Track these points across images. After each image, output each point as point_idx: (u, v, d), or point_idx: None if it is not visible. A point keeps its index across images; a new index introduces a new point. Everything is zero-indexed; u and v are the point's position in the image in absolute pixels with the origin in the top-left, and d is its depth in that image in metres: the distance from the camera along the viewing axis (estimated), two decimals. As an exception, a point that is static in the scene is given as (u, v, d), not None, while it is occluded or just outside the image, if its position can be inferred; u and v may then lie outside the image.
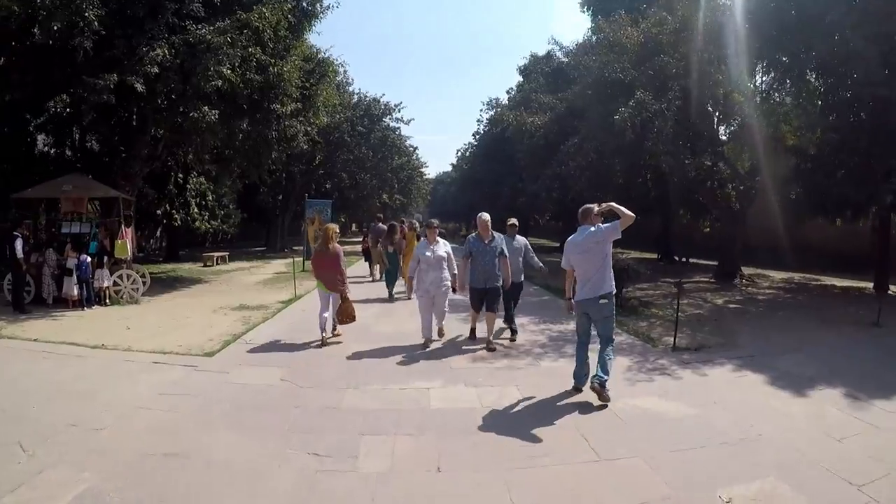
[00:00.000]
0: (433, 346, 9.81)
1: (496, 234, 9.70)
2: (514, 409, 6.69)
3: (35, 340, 9.96)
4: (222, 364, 8.47)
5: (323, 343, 9.83)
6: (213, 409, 6.55)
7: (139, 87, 13.63)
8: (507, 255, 9.66)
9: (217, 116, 15.23)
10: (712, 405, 6.71)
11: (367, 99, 38.86)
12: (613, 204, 7.00)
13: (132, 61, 13.82)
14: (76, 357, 8.90)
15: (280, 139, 18.73)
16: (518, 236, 10.69)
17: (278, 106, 17.18)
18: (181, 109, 15.28)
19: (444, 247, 9.98)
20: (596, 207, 7.11)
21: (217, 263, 26.49)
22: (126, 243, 14.82)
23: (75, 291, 13.60)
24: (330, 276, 9.96)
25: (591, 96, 19.26)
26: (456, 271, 9.92)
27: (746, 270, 20.64)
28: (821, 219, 19.31)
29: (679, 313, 10.74)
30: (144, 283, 15.88)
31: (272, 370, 8.12)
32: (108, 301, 14.29)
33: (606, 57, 18.80)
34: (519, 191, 36.43)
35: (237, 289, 17.74)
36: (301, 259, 23.26)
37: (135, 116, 18.29)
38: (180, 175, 28.50)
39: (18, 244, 13.01)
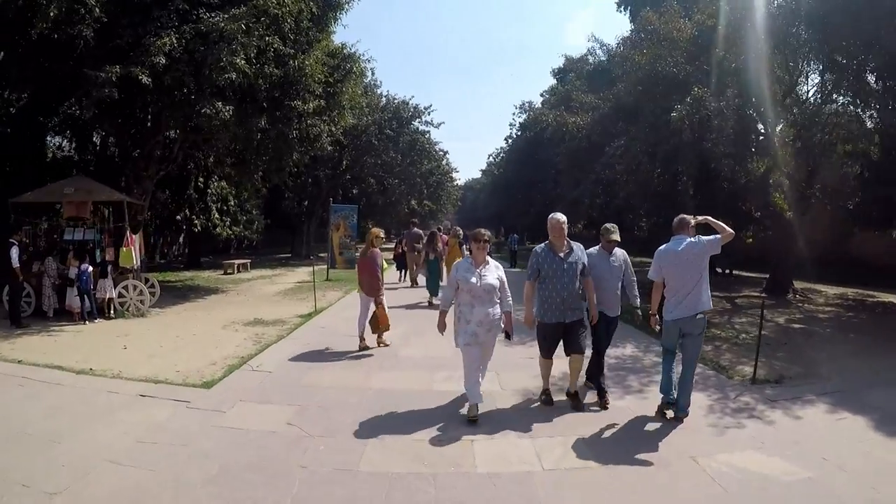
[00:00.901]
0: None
1: (574, 245, 6.83)
2: (585, 474, 5.21)
3: (18, 363, 8.72)
4: (220, 399, 7.05)
5: (361, 348, 9.76)
6: (197, 470, 5.09)
7: (145, 79, 12.41)
8: (594, 274, 7.01)
9: (231, 113, 13.99)
10: (822, 462, 5.45)
11: (396, 101, 37.53)
12: (710, 218, 6.63)
13: (138, 52, 12.61)
14: (55, 385, 7.59)
15: (302, 139, 17.38)
16: (618, 250, 7.38)
17: (300, 103, 15.87)
18: (192, 105, 14.03)
19: (495, 270, 6.66)
20: (692, 220, 6.66)
21: (238, 271, 25.40)
22: (131, 251, 13.54)
23: (77, 303, 12.42)
24: (366, 280, 9.82)
25: (641, 93, 17.69)
26: (511, 302, 6.78)
27: (796, 284, 19.13)
28: (875, 231, 17.82)
29: (743, 334, 10.48)
30: (153, 293, 14.70)
31: (278, 409, 6.70)
32: (112, 314, 13.09)
33: (657, 50, 17.26)
34: (556, 197, 34.85)
35: (254, 300, 16.48)
36: (325, 267, 22.04)
37: (149, 116, 17.24)
38: (201, 179, 27.40)
39: (14, 252, 11.87)
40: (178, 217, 26.91)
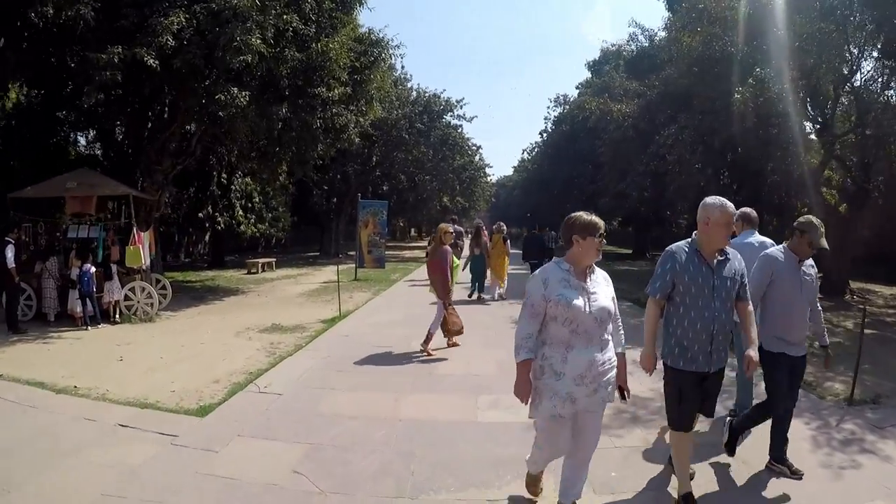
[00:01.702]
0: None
1: (730, 250, 4.25)
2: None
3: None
4: (215, 432, 5.71)
5: (423, 351, 9.00)
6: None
7: (151, 61, 11.33)
8: (782, 293, 4.85)
9: (248, 100, 12.79)
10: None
11: (427, 95, 36.14)
12: None
13: (144, 33, 11.50)
14: (27, 409, 6.37)
15: (327, 130, 16.07)
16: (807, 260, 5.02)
17: (324, 90, 14.60)
18: (207, 91, 12.87)
19: (606, 285, 3.98)
20: None
21: (262, 270, 24.31)
22: (139, 250, 12.38)
23: (79, 307, 11.32)
24: (437, 281, 9.14)
25: (696, 76, 16.16)
26: (623, 337, 4.10)
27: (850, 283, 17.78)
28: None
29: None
30: (164, 295, 13.59)
31: (284, 448, 5.32)
32: (118, 318, 11.96)
33: (710, 30, 15.75)
34: (595, 191, 33.23)
35: (276, 302, 15.26)
36: (354, 266, 20.83)
37: (165, 106, 16.15)
38: (224, 175, 26.37)
39: (10, 252, 10.89)
40: (201, 214, 25.88)
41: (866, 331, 11.68)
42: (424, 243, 32.54)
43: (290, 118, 14.51)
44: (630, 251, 40.00)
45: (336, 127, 16.20)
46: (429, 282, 9.71)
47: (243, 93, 12.67)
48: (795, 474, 4.68)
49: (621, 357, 4.00)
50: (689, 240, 4.25)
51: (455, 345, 9.52)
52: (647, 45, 34.16)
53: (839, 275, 17.19)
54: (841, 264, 17.27)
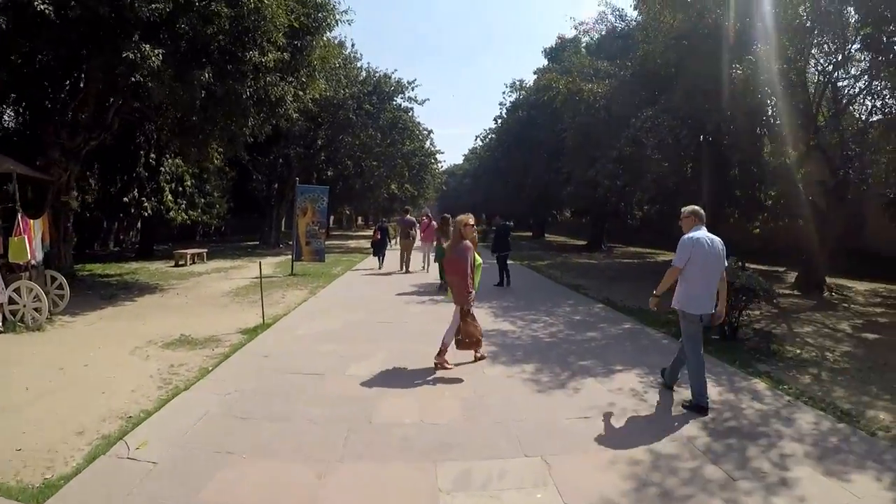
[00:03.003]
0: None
1: None
2: None
3: None
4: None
5: (438, 366, 7.65)
6: None
7: (43, 6, 9.08)
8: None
9: (162, 59, 10.59)
10: None
11: (377, 75, 33.78)
12: None
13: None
14: None
15: (259, 101, 13.86)
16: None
17: (256, 54, 12.43)
18: (115, 49, 10.64)
19: None
20: None
21: (193, 262, 21.90)
22: (23, 242, 10.04)
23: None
24: (455, 283, 7.68)
25: (685, 50, 14.41)
26: None
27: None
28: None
29: (827, 352, 8.99)
30: (61, 296, 11.27)
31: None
32: (1, 326, 9.64)
33: (702, 2, 14.07)
34: (554, 180, 31.49)
35: (195, 303, 13.01)
36: (290, 259, 18.69)
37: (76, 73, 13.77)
38: (152, 155, 23.82)
39: None
40: (126, 199, 23.27)
41: (867, 335, 10.42)
42: (370, 232, 31.02)
43: (215, 86, 12.26)
44: (585, 242, 38.67)
45: (270, 99, 14.02)
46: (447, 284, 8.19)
47: (156, 51, 10.49)
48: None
49: None
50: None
51: (482, 358, 8.09)
52: (619, 25, 32.45)
53: (817, 272, 16.08)
54: (819, 260, 16.15)
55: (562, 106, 25.32)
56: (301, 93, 15.66)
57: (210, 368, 7.49)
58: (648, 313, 11.18)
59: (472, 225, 7.81)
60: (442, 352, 7.68)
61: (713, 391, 6.70)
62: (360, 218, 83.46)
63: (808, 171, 16.15)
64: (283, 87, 14.21)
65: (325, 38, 16.50)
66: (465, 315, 7.61)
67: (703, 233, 6.33)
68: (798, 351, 9.15)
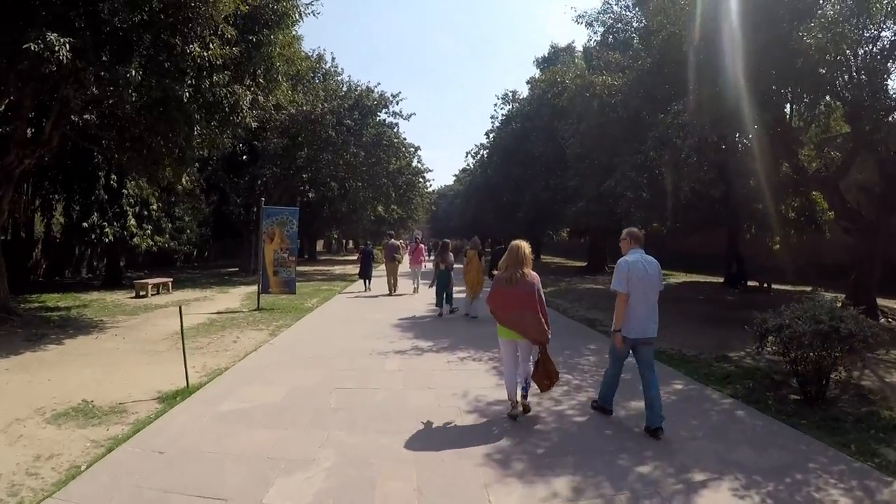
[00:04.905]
0: None
1: None
2: None
3: None
4: None
5: (512, 416, 6.55)
6: None
7: None
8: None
9: (70, 49, 8.53)
10: None
11: (359, 89, 31.65)
12: None
13: None
14: None
15: (208, 106, 11.73)
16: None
17: (196, 47, 10.35)
18: (10, 38, 8.60)
19: None
20: None
21: (157, 292, 19.73)
22: None
23: None
24: (528, 319, 6.47)
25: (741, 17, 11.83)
26: None
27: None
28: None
29: None
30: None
31: None
32: None
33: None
34: (559, 197, 29.31)
35: (129, 349, 10.68)
36: (256, 290, 16.51)
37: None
38: (113, 177, 21.77)
39: None
40: (85, 224, 21.13)
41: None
42: (354, 257, 29.61)
43: (149, 85, 10.12)
44: (584, 264, 36.62)
45: (222, 104, 11.88)
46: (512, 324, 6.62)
47: (62, 41, 8.44)
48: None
49: None
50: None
51: (527, 411, 6.80)
52: (627, 14, 29.89)
53: (867, 293, 13.97)
54: (870, 281, 14.10)
55: (569, 104, 22.67)
56: (261, 98, 13.54)
57: (81, 468, 5.16)
58: (692, 360, 9.35)
59: (529, 254, 6.81)
60: (512, 400, 6.70)
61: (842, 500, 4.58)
62: (350, 242, 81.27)
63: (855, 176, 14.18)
64: (238, 90, 12.09)
65: (289, 35, 14.35)
66: (544, 352, 6.66)
67: (639, 255, 6.32)
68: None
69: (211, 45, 10.55)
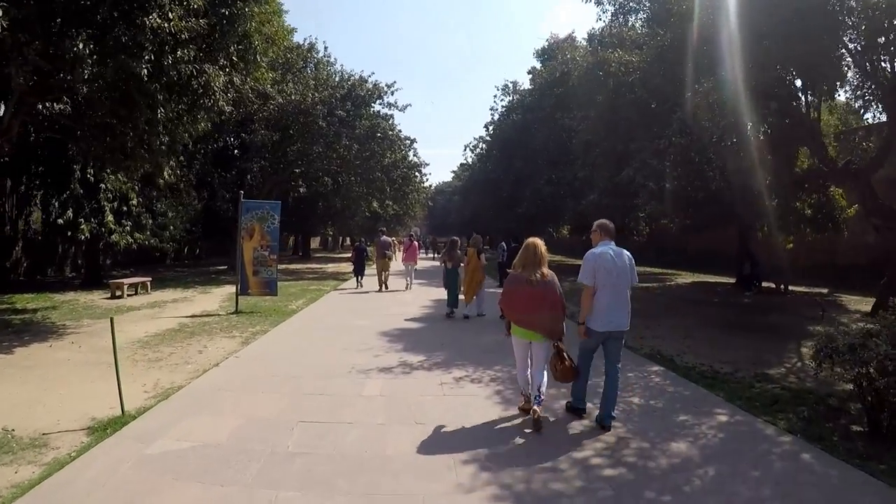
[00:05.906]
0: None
1: None
2: None
3: None
4: None
5: (536, 425, 6.01)
6: None
7: None
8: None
9: (9, 20, 7.32)
10: None
11: (352, 78, 30.33)
12: None
13: None
14: None
15: (173, 87, 10.43)
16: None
17: (156, 17, 9.09)
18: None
19: None
20: None
21: (136, 292, 18.60)
22: None
23: None
24: (548, 318, 6.31)
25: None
26: None
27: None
28: None
29: None
30: None
31: None
32: None
33: None
34: (561, 193, 27.94)
35: (82, 360, 9.41)
36: (234, 292, 15.29)
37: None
38: (90, 171, 20.51)
39: None
40: (61, 221, 19.90)
41: None
42: (349, 254, 29.15)
43: (102, 61, 8.89)
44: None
45: (191, 85, 10.61)
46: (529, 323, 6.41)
47: (-4, 8, 7.22)
48: None
49: None
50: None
51: (538, 424, 6.26)
52: None
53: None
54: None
55: (578, 86, 21.14)
56: (237, 80, 12.29)
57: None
58: (729, 379, 8.26)
59: (545, 252, 6.67)
60: (526, 397, 6.58)
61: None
62: (345, 238, 79.95)
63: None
64: (209, 69, 10.81)
65: (269, 8, 13.06)
66: (559, 350, 6.44)
67: (608, 247, 6.26)
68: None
69: (170, 15, 9.28)
